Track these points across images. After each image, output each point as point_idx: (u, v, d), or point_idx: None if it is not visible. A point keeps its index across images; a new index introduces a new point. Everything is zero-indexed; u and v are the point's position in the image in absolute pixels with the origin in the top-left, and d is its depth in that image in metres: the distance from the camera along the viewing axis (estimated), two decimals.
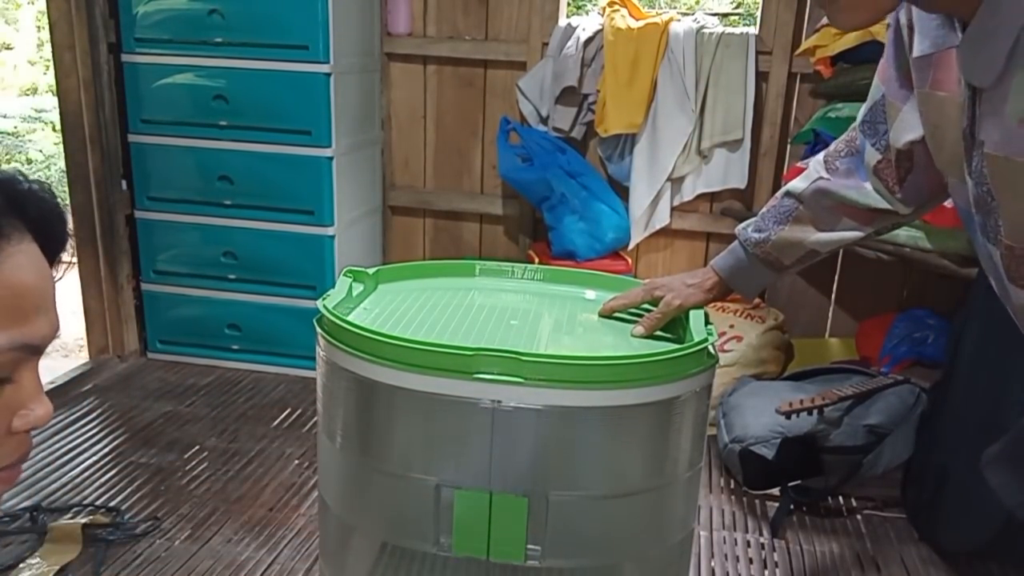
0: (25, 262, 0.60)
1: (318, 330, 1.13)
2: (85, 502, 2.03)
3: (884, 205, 1.13)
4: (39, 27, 7.98)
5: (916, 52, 0.90)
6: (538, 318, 1.28)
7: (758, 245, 1.23)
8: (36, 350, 0.62)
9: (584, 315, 1.32)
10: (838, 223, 1.18)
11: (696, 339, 1.11)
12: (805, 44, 2.53)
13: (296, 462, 2.29)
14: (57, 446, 2.30)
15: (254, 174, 2.68)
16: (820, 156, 1.22)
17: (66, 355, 3.55)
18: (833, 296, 2.95)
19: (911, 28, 0.91)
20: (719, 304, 2.64)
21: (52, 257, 0.64)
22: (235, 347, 2.85)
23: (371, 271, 1.35)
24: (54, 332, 0.64)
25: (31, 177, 0.63)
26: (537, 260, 2.82)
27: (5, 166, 6.96)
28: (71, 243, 0.66)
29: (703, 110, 2.75)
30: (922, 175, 1.06)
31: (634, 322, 1.28)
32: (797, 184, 1.21)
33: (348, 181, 2.78)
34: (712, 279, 1.27)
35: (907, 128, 1.00)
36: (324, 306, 1.13)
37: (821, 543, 2.03)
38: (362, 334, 1.04)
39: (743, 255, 1.25)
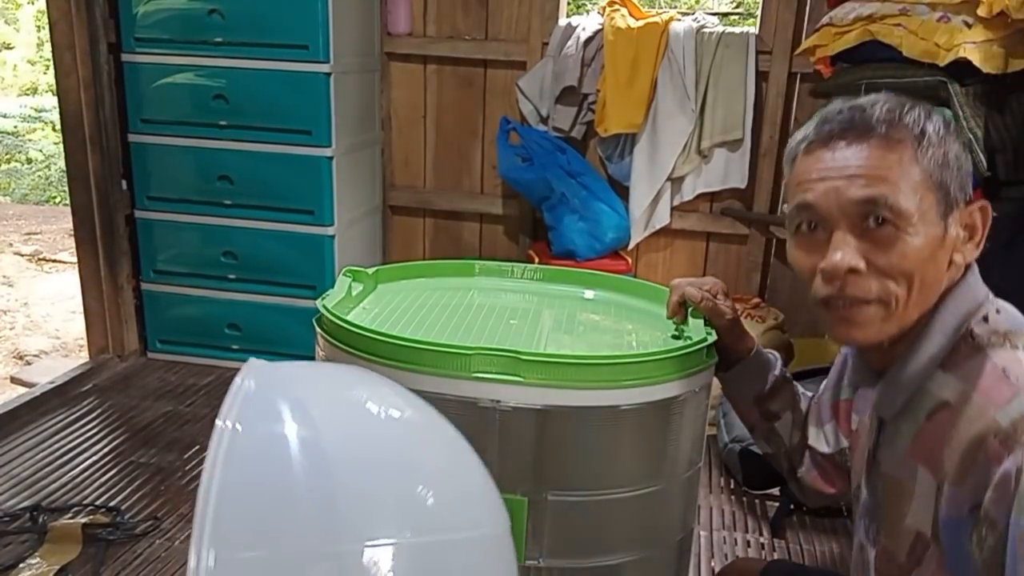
0: None
1: (318, 330, 1.12)
2: (85, 502, 2.03)
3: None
4: (39, 27, 7.99)
5: (843, 395, 1.15)
6: (538, 318, 1.28)
7: (783, 371, 1.24)
8: None
9: (584, 315, 1.32)
10: (797, 431, 1.23)
11: (695, 339, 1.10)
12: (805, 44, 2.53)
13: None
14: (57, 446, 2.30)
15: (254, 174, 2.68)
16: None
17: (66, 355, 3.55)
18: None
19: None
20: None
21: None
22: (235, 347, 2.85)
23: (371, 271, 1.35)
24: None
25: None
26: (537, 260, 2.82)
27: (5, 166, 6.97)
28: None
29: (703, 110, 2.75)
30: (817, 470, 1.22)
31: (636, 325, 1.28)
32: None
33: (348, 181, 2.78)
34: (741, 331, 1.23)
35: (821, 443, 1.19)
36: (324, 306, 1.13)
37: (821, 543, 2.03)
38: (361, 334, 1.04)
39: (773, 359, 1.23)
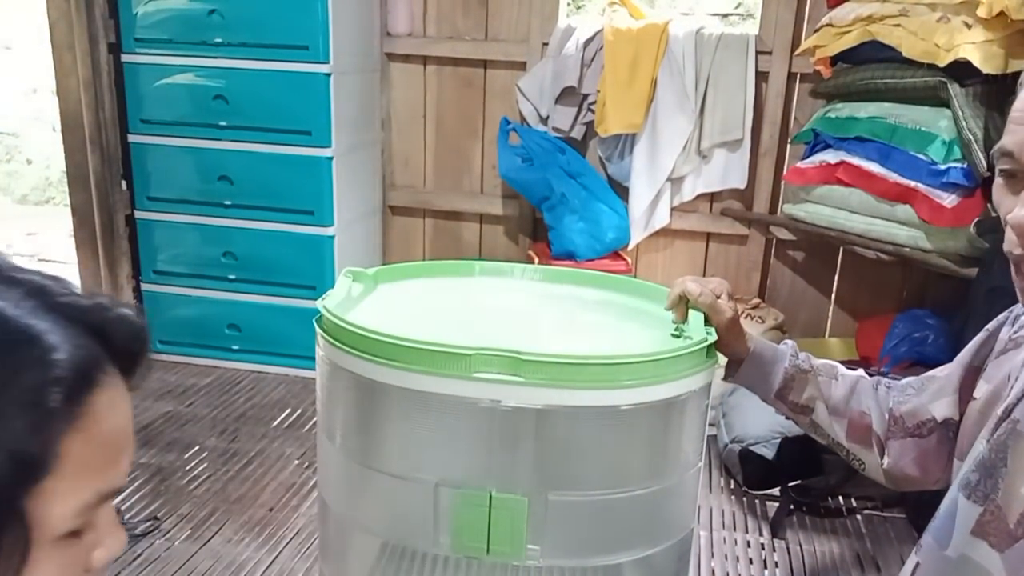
0: (111, 402, 0.54)
1: (318, 330, 1.12)
2: None
3: (875, 435, 1.15)
4: (39, 27, 7.97)
5: (978, 363, 1.04)
6: (538, 318, 1.28)
7: (794, 362, 1.18)
8: (118, 492, 0.57)
9: (584, 315, 1.32)
10: (837, 421, 1.17)
11: (695, 339, 1.10)
12: (805, 44, 2.54)
13: (296, 462, 2.29)
14: None
15: (254, 174, 2.68)
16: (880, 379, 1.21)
17: None
18: (833, 296, 2.95)
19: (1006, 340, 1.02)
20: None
21: (131, 380, 0.58)
22: (235, 347, 2.85)
23: (371, 271, 1.34)
24: (131, 464, 0.59)
25: (116, 300, 0.58)
26: (537, 260, 2.82)
27: (5, 166, 6.95)
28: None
29: (703, 110, 2.75)
30: (912, 449, 1.12)
31: (636, 325, 1.28)
32: (845, 369, 1.22)
33: (348, 181, 2.78)
34: (741, 333, 1.18)
35: (941, 409, 1.09)
36: (324, 306, 1.13)
37: (821, 543, 2.03)
38: (362, 334, 1.04)
39: (779, 354, 1.19)
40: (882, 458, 1.14)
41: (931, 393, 1.11)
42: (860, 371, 1.19)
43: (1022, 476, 0.86)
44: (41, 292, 0.54)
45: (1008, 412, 0.92)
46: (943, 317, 2.59)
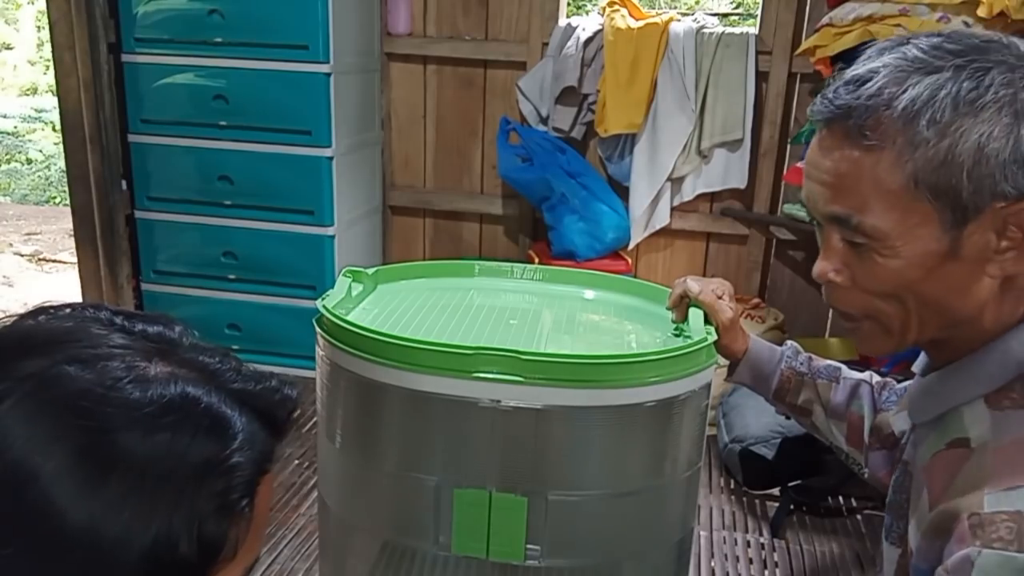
0: (268, 485, 0.59)
1: (318, 330, 1.12)
2: None
3: (863, 442, 1.13)
4: (39, 27, 7.98)
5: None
6: (538, 318, 1.28)
7: (791, 364, 1.17)
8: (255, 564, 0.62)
9: (584, 315, 1.32)
10: (836, 425, 1.15)
11: (695, 338, 1.10)
12: (805, 44, 2.53)
13: (296, 462, 2.29)
14: None
15: (254, 174, 2.68)
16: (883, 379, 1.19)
17: None
18: None
19: None
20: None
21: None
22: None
23: (370, 271, 1.34)
24: None
25: (279, 379, 0.60)
26: (537, 260, 2.82)
27: (5, 166, 6.94)
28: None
29: (703, 110, 2.75)
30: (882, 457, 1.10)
31: (636, 325, 1.28)
32: (850, 371, 1.19)
33: (348, 181, 2.78)
34: (740, 333, 1.18)
35: (899, 423, 1.07)
36: (324, 306, 1.13)
37: (821, 543, 2.03)
38: (362, 334, 1.04)
39: (776, 355, 1.18)
40: (864, 466, 1.13)
41: (899, 404, 1.08)
42: (867, 373, 1.17)
43: (914, 518, 0.82)
44: (215, 375, 0.56)
45: (902, 451, 0.90)
46: None
